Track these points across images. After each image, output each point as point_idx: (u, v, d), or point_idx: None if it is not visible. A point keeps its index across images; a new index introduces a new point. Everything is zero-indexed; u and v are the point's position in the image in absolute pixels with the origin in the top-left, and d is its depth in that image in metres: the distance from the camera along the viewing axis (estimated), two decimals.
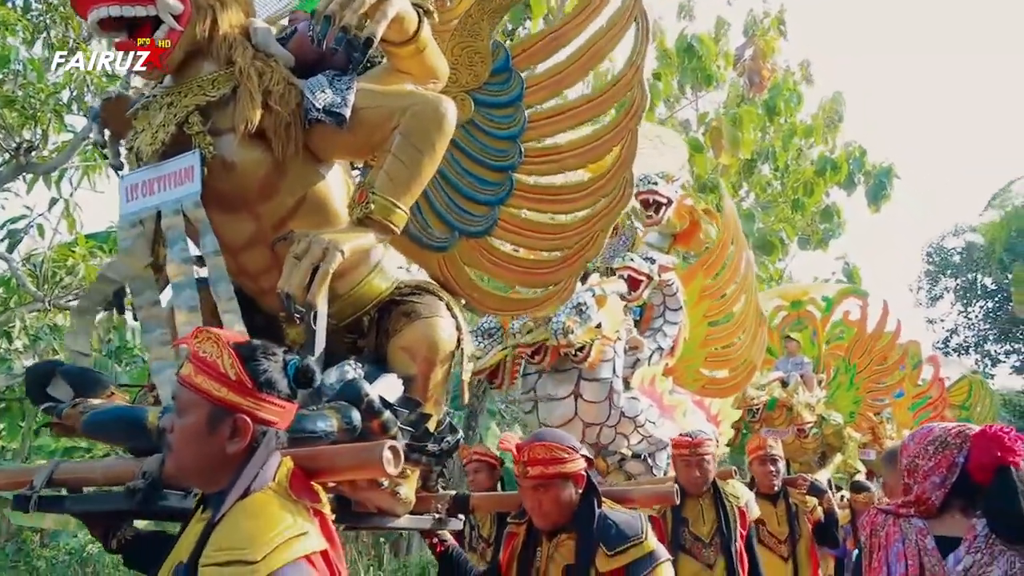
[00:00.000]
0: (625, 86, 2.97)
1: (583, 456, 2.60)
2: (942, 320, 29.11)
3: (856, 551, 6.38)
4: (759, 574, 4.41)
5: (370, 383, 2.39)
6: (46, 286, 7.95)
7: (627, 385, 5.23)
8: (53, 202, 8.29)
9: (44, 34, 7.99)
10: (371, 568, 9.79)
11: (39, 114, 7.62)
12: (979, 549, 2.18)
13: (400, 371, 2.58)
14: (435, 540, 3.03)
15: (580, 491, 2.56)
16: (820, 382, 9.24)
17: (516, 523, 2.78)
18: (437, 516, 2.97)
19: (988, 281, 27.67)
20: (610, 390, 4.99)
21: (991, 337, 27.91)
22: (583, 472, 2.57)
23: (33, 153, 7.88)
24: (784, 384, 8.78)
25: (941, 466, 2.27)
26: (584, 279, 5.20)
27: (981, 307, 27.96)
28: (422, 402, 2.57)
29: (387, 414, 2.33)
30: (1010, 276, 22.39)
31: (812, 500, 5.50)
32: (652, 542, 2.48)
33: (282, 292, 2.20)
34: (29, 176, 8.22)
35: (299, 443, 1.94)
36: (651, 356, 5.41)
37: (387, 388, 2.46)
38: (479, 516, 4.88)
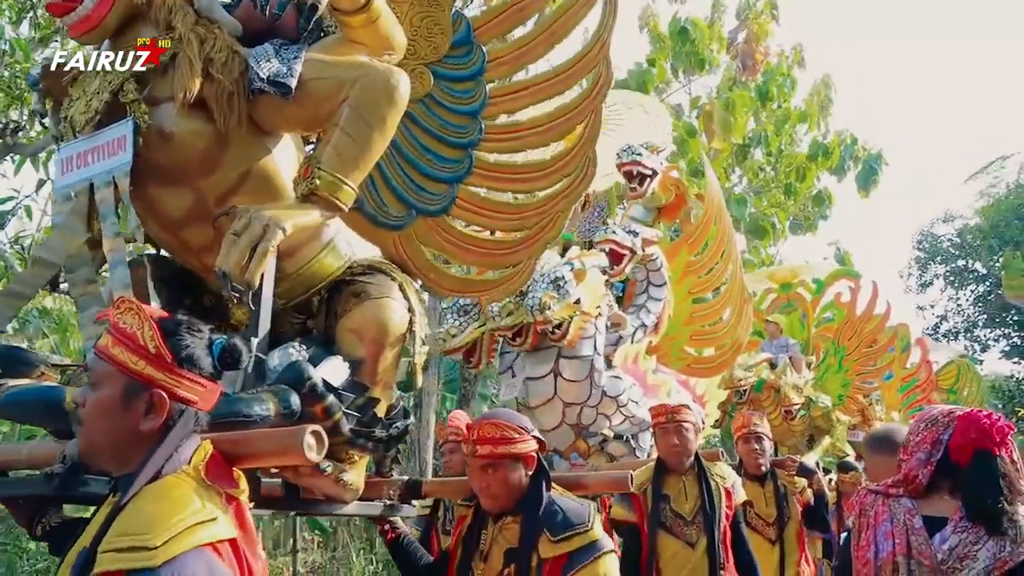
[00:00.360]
0: (590, 62, 2.84)
1: (535, 438, 2.49)
2: (932, 306, 29.00)
3: (845, 532, 6.23)
4: (749, 555, 4.21)
5: (316, 366, 2.29)
6: None
7: (609, 363, 5.06)
8: (41, 183, 8.15)
9: (30, 14, 7.83)
10: (363, 551, 9.66)
11: (26, 95, 7.45)
12: (965, 529, 2.19)
13: (348, 354, 2.48)
14: (386, 527, 2.89)
15: (530, 473, 2.45)
16: (809, 364, 9.07)
17: (465, 506, 2.72)
18: (388, 502, 2.86)
19: (979, 266, 27.44)
20: (591, 368, 4.82)
21: (980, 323, 27.72)
22: (534, 454, 2.46)
23: (20, 134, 7.74)
24: (772, 366, 8.62)
25: (926, 442, 2.30)
26: (563, 253, 5.04)
27: (972, 291, 27.78)
28: (370, 386, 2.47)
29: (331, 398, 2.23)
30: (1000, 260, 22.17)
31: (801, 481, 5.35)
32: (597, 531, 2.37)
33: (219, 271, 2.09)
34: (16, 157, 8.08)
35: (234, 427, 1.86)
36: (634, 333, 5.22)
37: (332, 371, 2.36)
38: (454, 499, 4.72)
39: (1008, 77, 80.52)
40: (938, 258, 28.35)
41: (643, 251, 5.21)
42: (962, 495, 2.24)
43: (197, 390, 1.57)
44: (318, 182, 2.24)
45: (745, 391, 8.23)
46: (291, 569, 10.19)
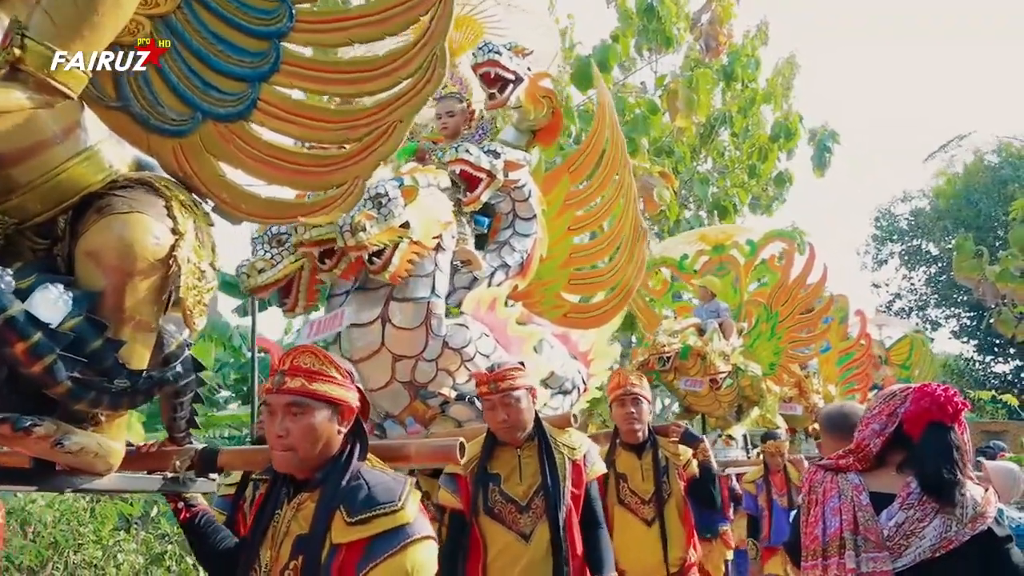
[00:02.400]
0: None
1: (359, 390, 1.90)
2: (886, 284, 28.39)
3: (794, 510, 5.26)
4: (598, 540, 3.14)
5: (28, 297, 1.80)
6: None
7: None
8: None
9: None
10: None
11: None
12: (912, 506, 2.10)
13: (85, 283, 1.90)
14: (179, 505, 2.24)
15: (343, 430, 1.84)
16: (741, 331, 7.85)
17: (263, 481, 2.19)
18: (174, 475, 2.30)
19: (932, 247, 26.78)
20: (427, 313, 3.59)
21: (932, 302, 27.12)
22: (355, 407, 1.87)
23: None
24: (701, 331, 7.41)
25: (883, 414, 2.23)
26: None
27: (924, 271, 27.16)
28: (111, 325, 1.90)
29: (37, 336, 1.74)
30: (952, 241, 21.19)
31: (685, 452, 4.16)
32: (409, 513, 1.75)
33: None
34: None
35: None
36: (493, 274, 3.95)
37: (47, 303, 1.82)
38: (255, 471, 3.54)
39: (973, 54, 78.04)
40: (894, 237, 27.79)
41: (505, 176, 3.94)
42: (915, 467, 2.15)
43: None
44: (18, 52, 1.72)
45: (669, 358, 7.03)
46: None
